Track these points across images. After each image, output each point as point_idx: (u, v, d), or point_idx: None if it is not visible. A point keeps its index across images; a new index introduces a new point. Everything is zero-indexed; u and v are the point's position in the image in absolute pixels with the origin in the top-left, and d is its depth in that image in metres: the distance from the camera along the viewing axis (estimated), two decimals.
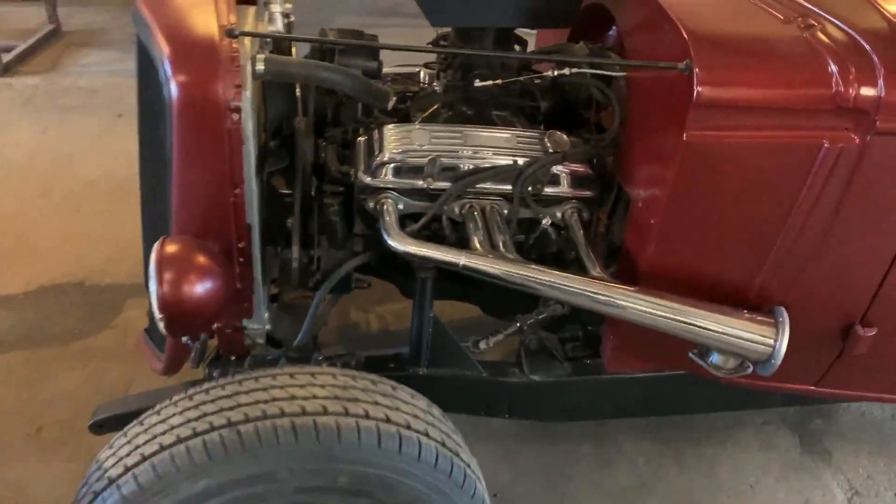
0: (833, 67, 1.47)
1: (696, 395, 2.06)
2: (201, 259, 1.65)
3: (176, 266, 1.60)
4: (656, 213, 1.67)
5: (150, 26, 1.72)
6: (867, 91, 1.46)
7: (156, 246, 1.64)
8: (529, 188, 1.86)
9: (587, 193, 1.91)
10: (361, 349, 2.05)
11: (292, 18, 2.06)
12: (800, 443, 2.49)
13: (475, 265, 1.71)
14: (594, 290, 1.68)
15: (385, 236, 1.77)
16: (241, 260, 1.80)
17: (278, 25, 1.97)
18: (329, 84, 1.81)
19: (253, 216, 1.77)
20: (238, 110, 1.64)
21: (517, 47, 2.10)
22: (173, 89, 1.61)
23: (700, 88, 1.49)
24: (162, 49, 1.65)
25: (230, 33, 1.66)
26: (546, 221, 1.90)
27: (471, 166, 1.85)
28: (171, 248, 1.62)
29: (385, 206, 1.83)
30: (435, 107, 2.02)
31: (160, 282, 1.57)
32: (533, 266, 1.70)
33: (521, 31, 2.15)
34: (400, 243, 1.74)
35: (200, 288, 1.62)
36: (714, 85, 1.50)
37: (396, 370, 1.98)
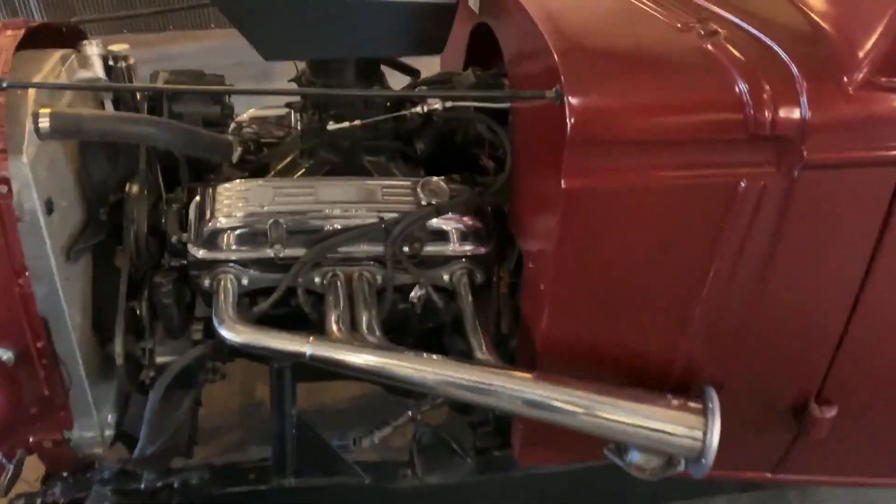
0: (742, 85, 1.13)
1: (632, 486, 1.69)
2: None
3: None
4: (545, 275, 1.32)
5: None
6: (788, 112, 1.11)
7: None
8: (406, 248, 1.52)
9: (480, 250, 1.56)
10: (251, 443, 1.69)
11: (132, 60, 1.73)
12: None
13: (325, 355, 1.35)
14: (474, 380, 1.32)
15: (215, 323, 1.42)
16: (43, 362, 1.45)
17: (97, 70, 1.65)
18: (139, 139, 1.47)
19: (59, 311, 1.43)
20: (6, 181, 1.30)
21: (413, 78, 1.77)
22: None
23: (573, 121, 1.15)
24: None
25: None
26: (415, 293, 1.54)
27: (330, 227, 1.51)
28: None
29: (221, 284, 1.49)
30: (292, 156, 1.68)
31: None
32: (397, 353, 1.35)
33: (412, 59, 1.82)
34: (231, 332, 1.39)
35: None
36: (591, 116, 1.15)
37: (258, 482, 1.62)
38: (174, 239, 1.58)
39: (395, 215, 1.50)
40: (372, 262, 1.54)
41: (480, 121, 1.57)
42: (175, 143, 1.49)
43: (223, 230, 1.48)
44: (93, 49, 1.63)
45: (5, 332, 1.41)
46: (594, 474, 1.66)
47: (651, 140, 1.17)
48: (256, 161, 1.70)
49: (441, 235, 1.54)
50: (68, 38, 1.73)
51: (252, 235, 1.49)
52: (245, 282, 1.52)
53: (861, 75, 1.09)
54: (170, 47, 6.92)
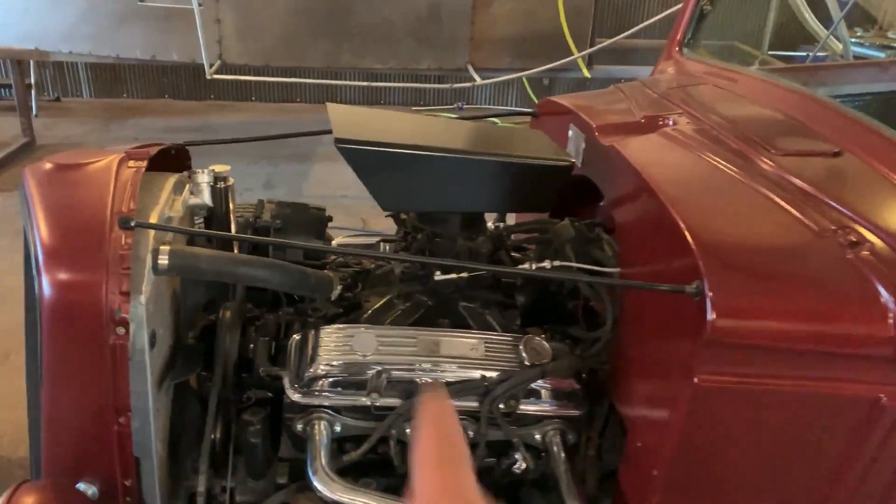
0: (890, 302, 1.12)
1: None
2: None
3: None
4: (659, 462, 1.28)
5: (29, 204, 1.40)
6: None
7: (6, 494, 1.27)
8: (501, 406, 1.50)
9: (573, 412, 1.54)
10: None
11: (231, 181, 1.75)
12: None
13: None
14: None
15: (309, 473, 1.39)
16: (128, 499, 1.42)
17: (205, 197, 1.66)
18: (252, 281, 1.47)
19: (149, 447, 1.40)
20: (125, 323, 1.29)
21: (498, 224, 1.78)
22: (44, 288, 1.27)
23: (714, 320, 1.14)
24: (35, 234, 1.32)
25: (124, 223, 1.32)
26: (519, 456, 1.51)
27: (427, 379, 1.48)
28: (28, 501, 1.25)
29: (315, 430, 1.46)
30: (389, 297, 1.67)
31: None
32: None
33: None
34: (325, 486, 1.36)
35: None
36: (732, 318, 1.14)
37: None
38: (262, 371, 1.57)
39: (497, 373, 1.48)
40: (464, 417, 1.51)
41: (589, 285, 1.56)
42: (286, 284, 1.49)
43: (324, 376, 1.46)
44: (203, 177, 1.64)
45: (96, 468, 1.38)
46: None
47: (789, 347, 1.15)
48: (352, 298, 1.69)
49: (536, 394, 1.52)
50: (177, 157, 1.76)
51: (352, 383, 1.47)
52: (337, 428, 1.49)
53: None
54: (210, 117, 7.06)
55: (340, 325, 1.53)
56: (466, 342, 1.52)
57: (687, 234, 1.23)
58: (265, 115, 7.05)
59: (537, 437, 1.55)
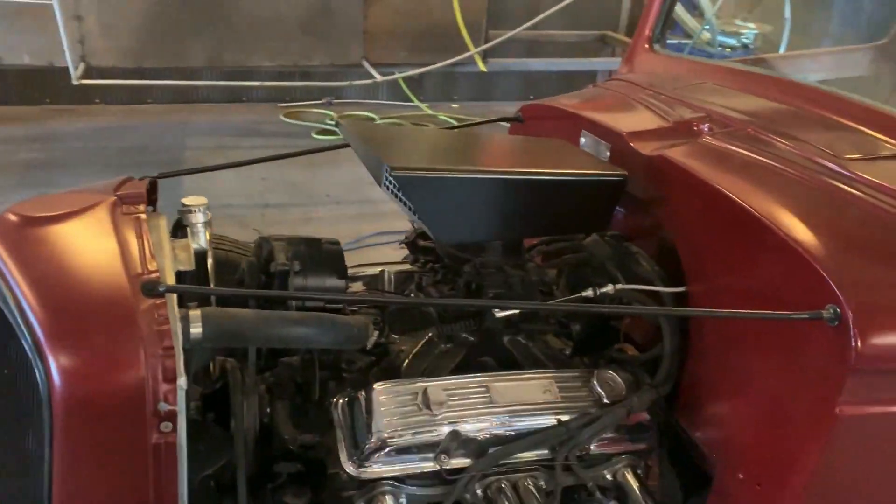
0: None
1: None
2: None
3: None
4: (785, 496, 1.20)
5: (7, 275, 1.08)
6: None
7: None
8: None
9: (642, 446, 1.42)
10: None
11: (209, 215, 1.48)
12: None
13: None
14: None
15: None
16: None
17: (201, 240, 1.38)
18: (296, 342, 1.24)
19: None
20: (172, 417, 1.02)
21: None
22: (54, 379, 0.98)
23: (860, 347, 1.06)
24: (24, 309, 1.02)
25: (150, 290, 1.05)
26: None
27: (503, 432, 1.31)
28: None
29: None
30: (426, 338, 1.47)
31: None
32: None
33: None
34: None
35: None
36: (879, 341, 1.07)
37: None
38: (287, 438, 1.33)
39: (571, 416, 1.34)
40: (534, 466, 1.36)
41: (653, 314, 1.44)
42: (331, 341, 1.26)
43: (390, 444, 1.25)
44: (198, 217, 1.37)
45: None
46: None
47: None
48: (384, 344, 1.47)
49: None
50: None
51: (418, 447, 1.27)
52: (403, 501, 1.29)
53: None
54: (51, 124, 6.29)
55: (395, 382, 1.31)
56: (538, 384, 1.36)
57: (807, 255, 1.14)
58: (114, 120, 6.39)
59: (608, 476, 1.42)
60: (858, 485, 1.17)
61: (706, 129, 1.55)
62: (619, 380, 1.40)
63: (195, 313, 1.10)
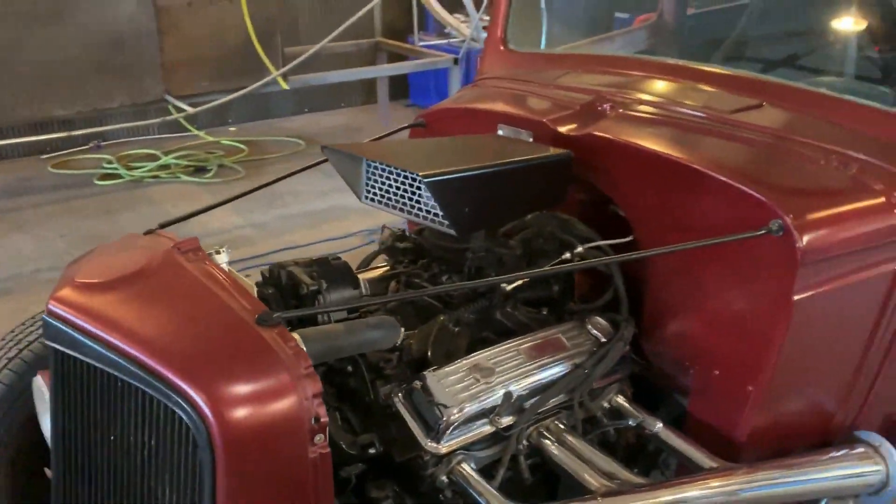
0: (893, 197, 1.53)
1: None
2: None
3: None
4: (756, 378, 1.54)
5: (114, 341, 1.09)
6: None
7: None
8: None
9: (626, 373, 1.72)
10: None
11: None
12: None
13: None
14: (741, 486, 1.49)
15: None
16: None
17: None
18: (369, 346, 1.35)
19: None
20: (324, 429, 1.11)
21: None
22: (211, 421, 1.03)
23: (804, 247, 1.43)
24: (159, 366, 1.05)
25: (266, 320, 1.13)
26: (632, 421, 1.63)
27: (526, 388, 1.52)
28: None
29: (467, 473, 1.41)
30: (440, 325, 1.63)
31: None
32: (679, 485, 1.45)
33: None
34: None
35: None
36: (816, 239, 1.45)
37: None
38: (350, 445, 1.44)
39: (583, 358, 1.59)
40: (558, 410, 1.59)
41: (607, 265, 1.71)
42: (390, 341, 1.39)
43: (460, 416, 1.41)
44: (223, 257, 1.40)
45: None
46: None
47: (845, 252, 1.50)
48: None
49: None
50: None
51: (479, 414, 1.44)
52: (473, 465, 1.45)
53: None
54: None
55: (445, 367, 1.47)
56: (553, 340, 1.59)
57: (747, 188, 1.49)
58: None
59: (605, 405, 1.69)
60: (816, 353, 1.55)
61: (608, 108, 1.87)
62: (605, 322, 1.67)
63: (307, 333, 1.18)
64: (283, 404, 1.07)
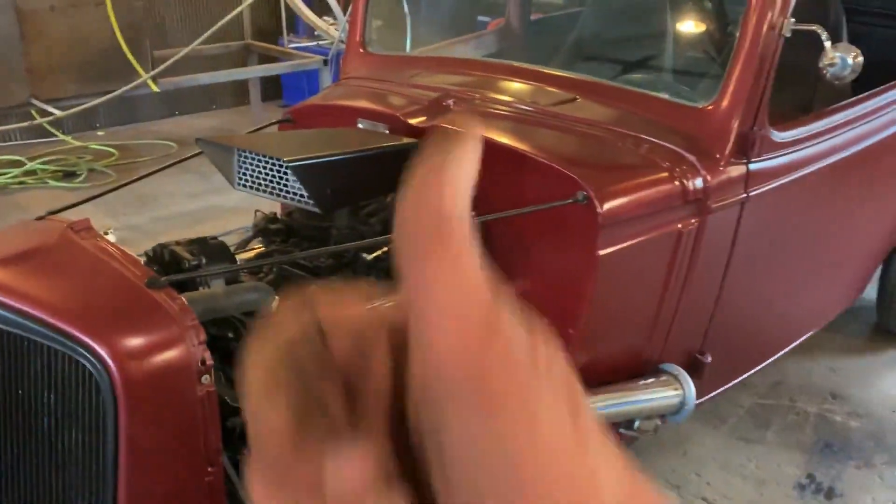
0: (676, 173, 1.90)
1: None
2: None
3: None
4: (575, 321, 1.88)
5: (19, 305, 1.27)
6: (698, 184, 1.93)
7: None
8: None
9: None
10: None
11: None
12: None
13: None
14: None
15: None
16: None
17: None
18: (250, 307, 1.58)
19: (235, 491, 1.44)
20: (209, 371, 1.34)
21: None
22: (113, 368, 1.24)
23: (603, 212, 1.77)
24: (63, 324, 1.25)
25: (154, 283, 1.34)
26: None
27: None
28: None
29: None
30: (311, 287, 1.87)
31: None
32: None
33: None
34: None
35: None
36: (612, 205, 1.79)
37: None
38: (232, 399, 1.67)
39: None
40: None
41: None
42: (264, 303, 1.62)
43: None
44: (112, 238, 1.59)
45: None
46: None
47: (636, 215, 1.86)
48: None
49: None
50: None
51: None
52: None
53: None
54: None
55: None
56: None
57: (559, 167, 1.82)
58: None
59: None
60: (622, 300, 1.90)
61: (452, 103, 2.17)
62: None
63: (191, 295, 1.39)
64: (174, 351, 1.29)
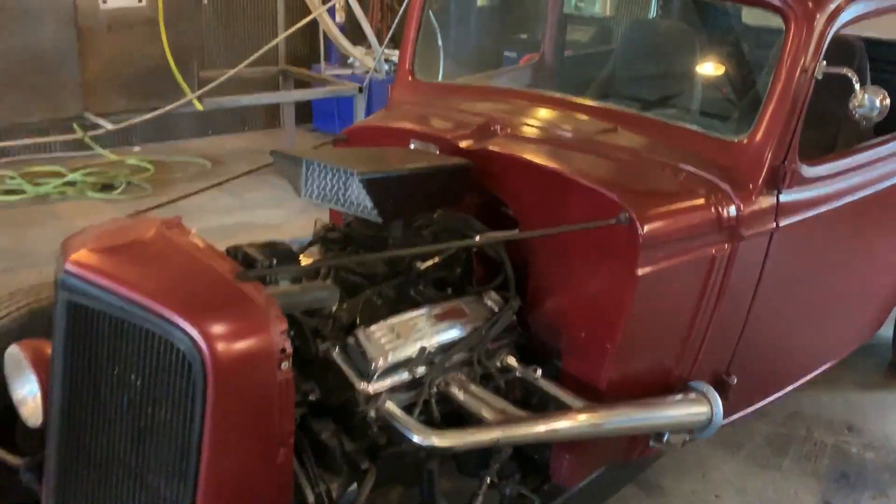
0: (712, 201, 2.03)
1: None
2: None
3: None
4: (612, 336, 1.99)
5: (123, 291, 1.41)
6: (731, 212, 2.06)
7: None
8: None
9: (513, 338, 2.13)
10: None
11: None
12: None
13: (512, 435, 1.80)
14: (601, 419, 1.93)
15: (412, 436, 1.73)
16: None
17: None
18: (322, 303, 1.72)
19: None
20: (288, 358, 1.46)
21: None
22: (204, 349, 1.36)
23: (644, 232, 1.90)
24: (162, 309, 1.38)
25: (243, 276, 1.48)
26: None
27: (436, 345, 1.91)
28: None
29: (390, 408, 1.78)
30: (365, 296, 2.00)
31: None
32: (553, 417, 1.88)
33: None
34: (443, 440, 1.73)
35: None
36: (654, 227, 1.92)
37: None
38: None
39: (478, 323, 2.00)
40: (460, 366, 1.99)
41: (495, 249, 2.14)
42: (334, 300, 1.75)
43: (385, 365, 1.78)
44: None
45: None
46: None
47: (676, 238, 1.98)
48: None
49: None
50: None
51: (399, 364, 1.82)
52: (394, 405, 1.82)
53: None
54: None
55: (371, 327, 1.84)
56: (458, 309, 1.99)
57: (603, 190, 1.95)
58: None
59: (498, 364, 2.10)
60: (656, 318, 2.02)
61: (498, 129, 2.31)
62: (497, 296, 2.09)
63: (272, 290, 1.52)
64: (259, 338, 1.42)
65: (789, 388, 2.77)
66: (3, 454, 1.98)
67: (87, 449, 1.56)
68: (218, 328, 1.38)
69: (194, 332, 1.37)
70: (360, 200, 1.85)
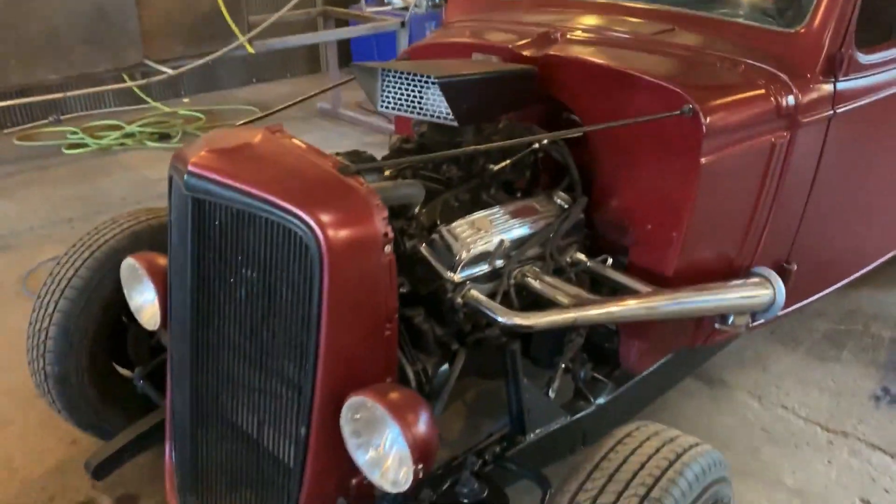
0: (772, 90, 2.11)
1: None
2: (414, 395, 1.61)
3: (409, 408, 1.54)
4: (678, 225, 2.11)
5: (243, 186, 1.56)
6: (790, 101, 2.14)
7: (365, 402, 1.54)
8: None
9: (582, 234, 2.26)
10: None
11: None
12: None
13: (587, 315, 1.94)
14: (670, 301, 2.06)
15: (496, 318, 1.87)
16: None
17: None
18: (417, 198, 1.87)
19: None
20: (390, 242, 1.61)
21: None
22: (319, 235, 1.51)
23: (707, 123, 1.99)
24: (278, 199, 1.53)
25: (346, 170, 1.62)
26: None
27: (511, 240, 2.05)
28: (394, 396, 1.55)
29: (475, 294, 1.93)
30: (443, 198, 2.14)
31: (407, 427, 1.49)
32: (624, 299, 2.01)
33: None
34: (525, 320, 1.87)
35: (429, 419, 1.57)
36: (713, 119, 2.01)
37: (507, 448, 2.05)
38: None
39: (549, 220, 2.13)
40: (532, 260, 2.13)
41: (557, 151, 2.25)
42: (422, 196, 1.90)
43: (470, 256, 1.93)
44: None
45: (370, 376, 1.66)
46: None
47: (737, 127, 2.07)
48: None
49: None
50: None
51: (479, 256, 1.97)
52: (479, 293, 1.97)
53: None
54: None
55: (464, 221, 1.99)
56: (529, 206, 2.12)
57: (668, 84, 2.04)
58: None
59: (568, 259, 2.23)
60: (720, 206, 2.12)
61: (558, 37, 2.40)
62: (566, 195, 2.21)
63: (373, 185, 1.67)
64: (365, 224, 1.56)
65: (849, 278, 2.86)
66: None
67: (218, 331, 1.73)
68: (329, 216, 1.53)
69: (310, 220, 1.52)
70: (436, 106, 1.97)
